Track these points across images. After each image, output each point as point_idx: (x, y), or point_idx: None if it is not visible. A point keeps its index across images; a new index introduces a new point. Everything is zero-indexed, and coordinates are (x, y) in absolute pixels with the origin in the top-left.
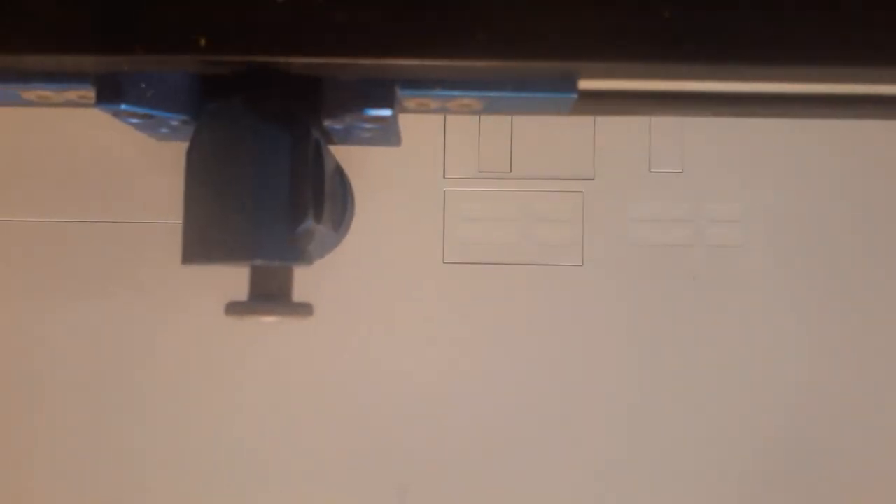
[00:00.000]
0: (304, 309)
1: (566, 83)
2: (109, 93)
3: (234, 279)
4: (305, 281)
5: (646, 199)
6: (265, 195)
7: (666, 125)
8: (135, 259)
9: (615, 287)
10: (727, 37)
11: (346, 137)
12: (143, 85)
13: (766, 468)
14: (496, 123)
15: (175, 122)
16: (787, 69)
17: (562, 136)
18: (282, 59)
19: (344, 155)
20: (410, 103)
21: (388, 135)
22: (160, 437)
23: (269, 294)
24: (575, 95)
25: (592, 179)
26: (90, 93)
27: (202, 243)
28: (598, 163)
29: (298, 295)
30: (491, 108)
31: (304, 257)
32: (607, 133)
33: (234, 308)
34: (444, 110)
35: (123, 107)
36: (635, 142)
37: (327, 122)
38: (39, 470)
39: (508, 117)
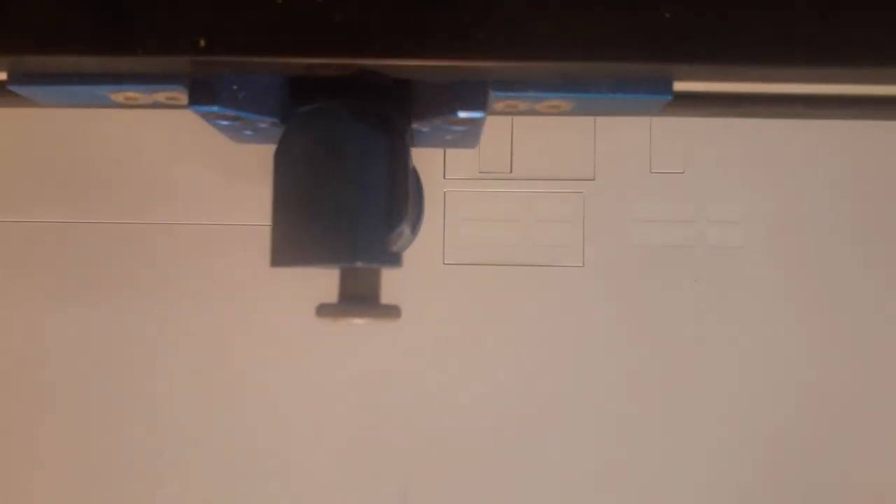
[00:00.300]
0: (393, 311)
1: (662, 84)
2: (203, 95)
3: (231, 280)
4: (304, 283)
5: (647, 199)
6: (364, 198)
7: (667, 126)
8: (133, 260)
9: (616, 288)
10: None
11: (428, 140)
12: (235, 87)
13: (767, 469)
14: (496, 124)
15: (263, 125)
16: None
17: (562, 136)
18: (383, 62)
19: None
20: (499, 105)
21: (469, 137)
22: (159, 438)
23: (359, 296)
24: (670, 97)
25: (593, 180)
26: (179, 94)
27: (294, 246)
28: (598, 163)
29: (301, 296)
30: (580, 109)
31: (398, 259)
32: (608, 134)
33: (325, 310)
34: (532, 111)
35: (216, 108)
36: (636, 142)
37: (415, 125)
38: (39, 470)
39: (509, 118)
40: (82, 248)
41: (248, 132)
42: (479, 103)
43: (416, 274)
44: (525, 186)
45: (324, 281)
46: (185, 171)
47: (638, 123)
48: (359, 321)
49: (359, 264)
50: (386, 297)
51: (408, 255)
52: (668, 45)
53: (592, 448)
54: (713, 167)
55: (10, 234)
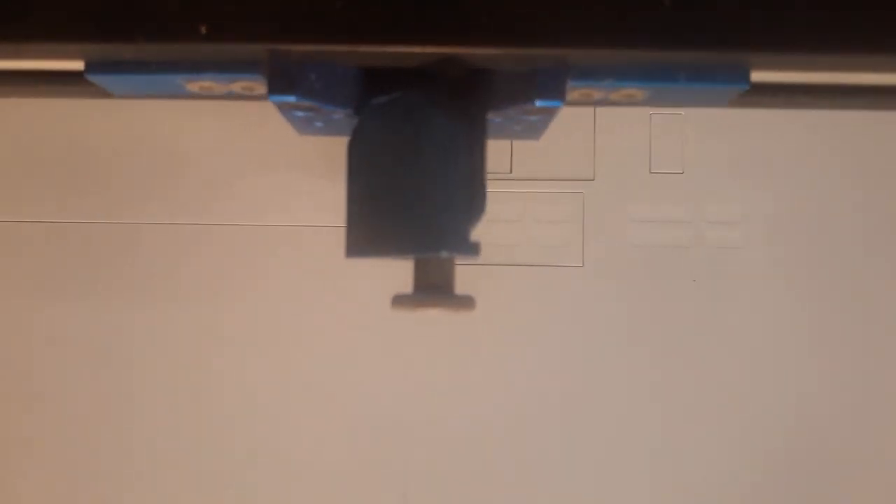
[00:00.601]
0: (468, 301)
1: (739, 73)
2: (282, 84)
3: (226, 281)
4: (303, 282)
5: (646, 200)
6: (447, 188)
7: (666, 126)
8: (131, 260)
9: (615, 288)
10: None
11: (497, 131)
12: (313, 77)
13: (767, 470)
14: None
15: (337, 116)
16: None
17: (562, 137)
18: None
19: (339, 154)
20: (575, 94)
21: (538, 129)
22: (157, 440)
23: (435, 286)
24: (747, 86)
25: (593, 180)
26: (256, 84)
27: (371, 236)
28: (598, 164)
29: (298, 297)
30: (654, 99)
31: (478, 249)
32: (607, 134)
33: (400, 301)
34: (605, 101)
35: (294, 98)
36: (635, 143)
37: (490, 115)
38: (38, 471)
39: None
40: (82, 248)
41: (319, 123)
42: (558, 92)
43: None
44: (525, 186)
45: (319, 281)
46: (184, 171)
47: (638, 124)
48: (434, 312)
49: (444, 254)
50: (385, 298)
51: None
52: (745, 33)
53: (592, 449)
54: (712, 168)
55: (10, 235)
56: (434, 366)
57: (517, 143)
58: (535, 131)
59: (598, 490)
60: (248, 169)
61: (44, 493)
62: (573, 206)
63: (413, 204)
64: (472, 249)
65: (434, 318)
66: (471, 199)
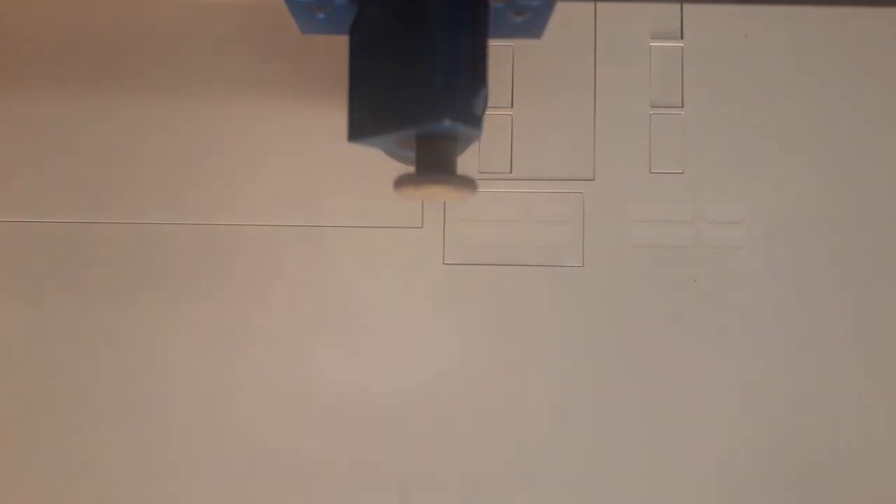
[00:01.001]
0: (470, 183)
1: None
2: None
3: (228, 289)
4: (302, 281)
5: (646, 200)
6: (450, 58)
7: (666, 126)
8: (131, 260)
9: (616, 288)
10: None
11: (498, 26)
12: None
13: (767, 474)
14: (497, 125)
15: (340, 2)
16: None
17: (562, 137)
18: None
19: (341, 155)
20: None
21: (539, 20)
22: (155, 440)
23: (438, 165)
24: None
25: (593, 180)
26: None
27: (373, 116)
28: (598, 164)
29: (295, 296)
30: None
31: (481, 123)
32: (607, 134)
33: (403, 180)
34: None
35: None
36: (636, 142)
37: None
38: (40, 472)
39: (509, 118)
40: (83, 248)
41: (321, 16)
42: None
43: (416, 274)
44: (525, 186)
45: (319, 281)
46: (185, 171)
47: (638, 124)
48: (437, 189)
49: (447, 123)
50: (384, 297)
51: (408, 255)
52: None
53: (591, 449)
54: (713, 167)
55: (10, 235)
56: (434, 366)
57: (518, 143)
58: (536, 25)
59: (599, 489)
60: (250, 169)
61: (46, 493)
62: (573, 207)
63: (414, 77)
64: (475, 119)
65: (437, 199)
66: (473, 71)
